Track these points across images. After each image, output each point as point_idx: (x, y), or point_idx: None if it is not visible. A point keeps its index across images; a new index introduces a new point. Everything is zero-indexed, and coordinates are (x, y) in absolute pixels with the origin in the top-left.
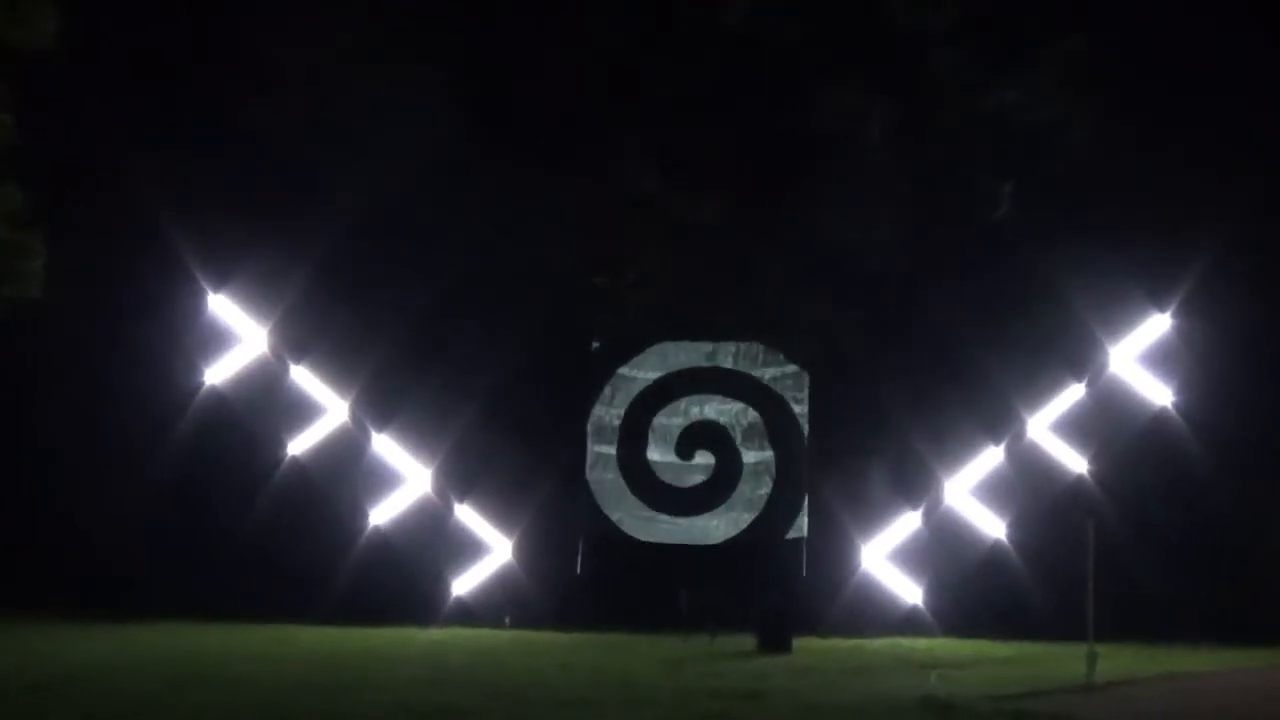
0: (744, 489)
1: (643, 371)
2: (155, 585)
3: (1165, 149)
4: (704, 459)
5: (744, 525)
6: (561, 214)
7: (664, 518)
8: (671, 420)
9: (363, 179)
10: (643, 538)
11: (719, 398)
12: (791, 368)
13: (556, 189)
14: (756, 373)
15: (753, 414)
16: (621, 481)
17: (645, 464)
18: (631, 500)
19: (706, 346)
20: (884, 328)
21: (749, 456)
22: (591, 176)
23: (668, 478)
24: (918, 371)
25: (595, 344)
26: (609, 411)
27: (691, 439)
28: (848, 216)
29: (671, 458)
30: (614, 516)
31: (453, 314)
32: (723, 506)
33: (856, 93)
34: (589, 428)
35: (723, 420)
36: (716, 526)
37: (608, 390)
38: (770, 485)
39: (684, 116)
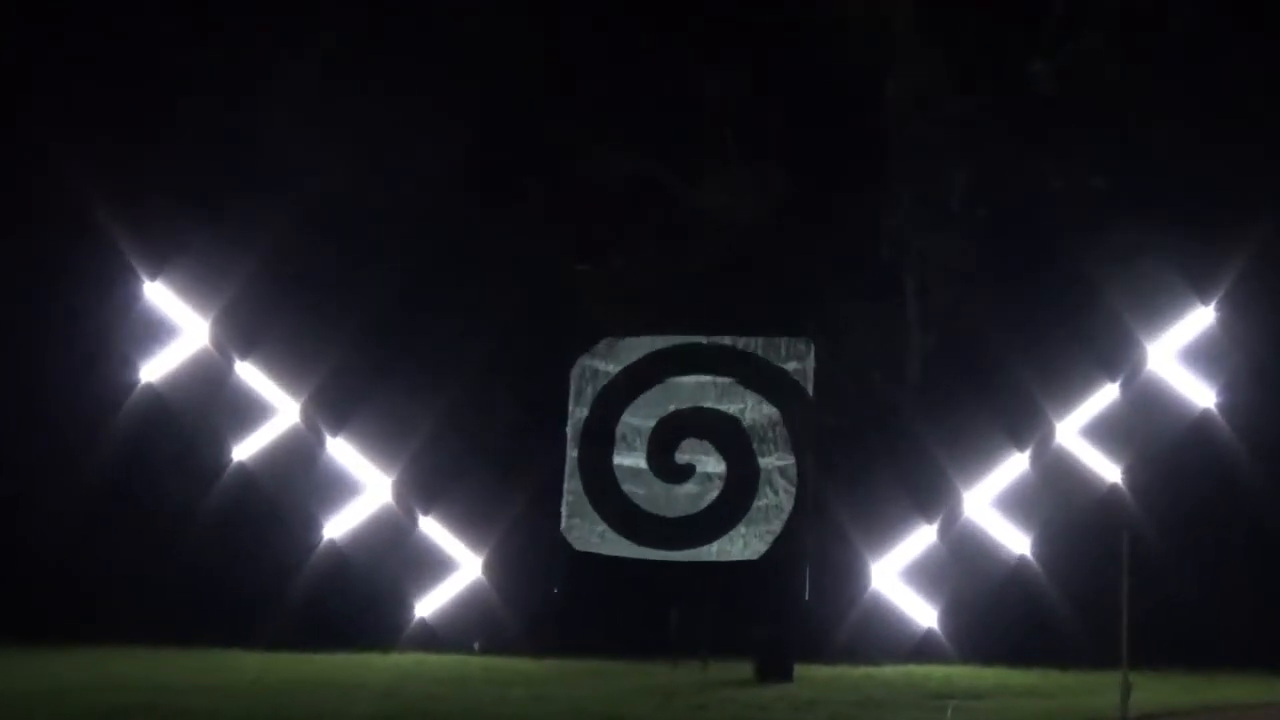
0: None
1: (626, 368)
2: (81, 606)
3: (1213, 127)
4: (704, 465)
5: (749, 541)
6: (541, 195)
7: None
8: (646, 421)
9: (314, 157)
10: (628, 553)
11: (717, 385)
12: (794, 366)
13: (535, 166)
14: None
15: (766, 408)
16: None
17: (611, 476)
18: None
19: (697, 341)
20: (898, 323)
21: (762, 462)
22: (575, 153)
23: (645, 496)
24: (935, 371)
25: (578, 338)
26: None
27: (681, 437)
28: (863, 203)
29: (647, 470)
30: (597, 529)
31: (417, 305)
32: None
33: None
34: (568, 431)
35: (731, 410)
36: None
37: (589, 390)
38: (773, 494)
39: (683, 89)
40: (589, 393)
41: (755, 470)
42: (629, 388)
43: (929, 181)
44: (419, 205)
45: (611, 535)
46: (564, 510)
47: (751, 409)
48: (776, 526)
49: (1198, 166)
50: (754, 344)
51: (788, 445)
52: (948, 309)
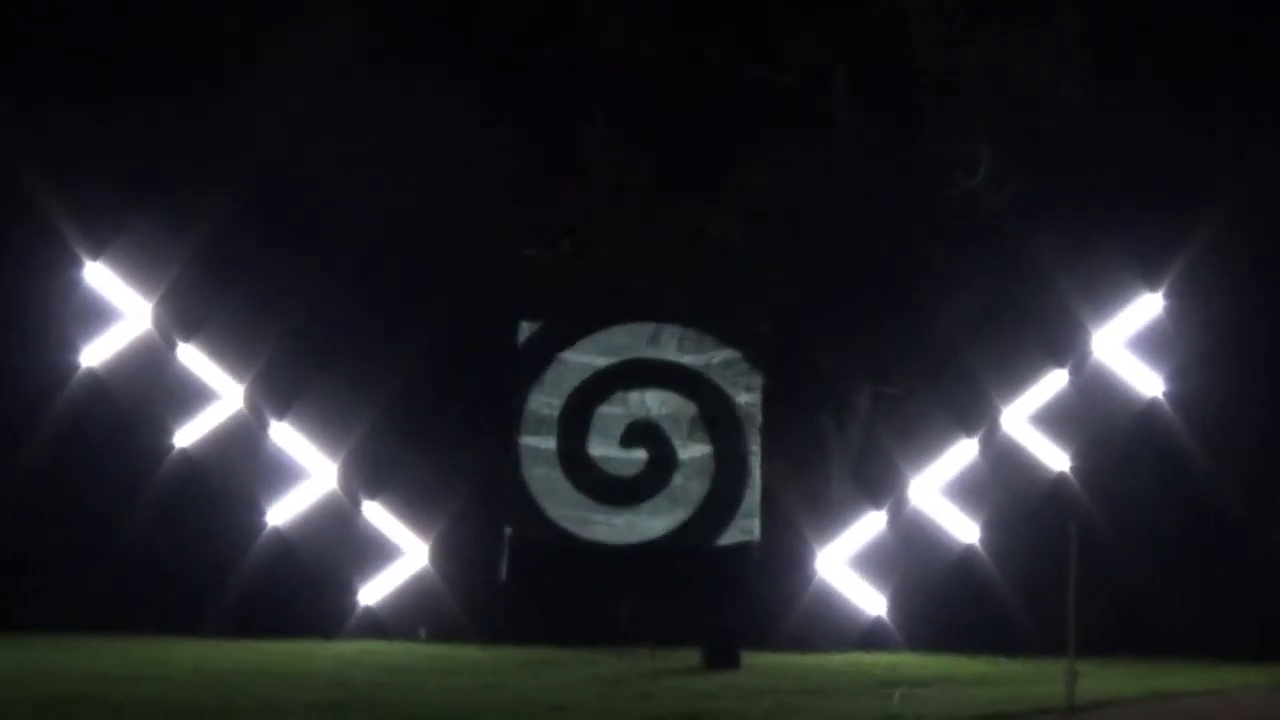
0: (689, 485)
1: (582, 356)
2: (19, 594)
3: (1164, 113)
4: (639, 454)
5: (690, 527)
6: (487, 173)
7: (599, 517)
8: (611, 409)
9: (258, 138)
10: (577, 538)
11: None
12: (741, 352)
13: (481, 142)
14: (704, 357)
15: (692, 406)
16: (556, 476)
17: (586, 458)
18: (565, 498)
19: (649, 328)
20: (845, 305)
21: (690, 451)
22: (524, 127)
23: (607, 469)
24: (882, 355)
25: (525, 324)
26: (540, 400)
27: (630, 431)
28: (802, 170)
29: (614, 451)
30: (545, 515)
31: (363, 289)
32: (664, 501)
33: (820, 45)
34: (518, 418)
35: (663, 410)
36: (658, 526)
37: (542, 377)
38: (712, 482)
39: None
40: (549, 384)
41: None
42: (598, 386)
43: (882, 154)
44: (365, 185)
45: (563, 520)
46: (531, 492)
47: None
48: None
49: (1148, 153)
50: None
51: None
52: (897, 295)
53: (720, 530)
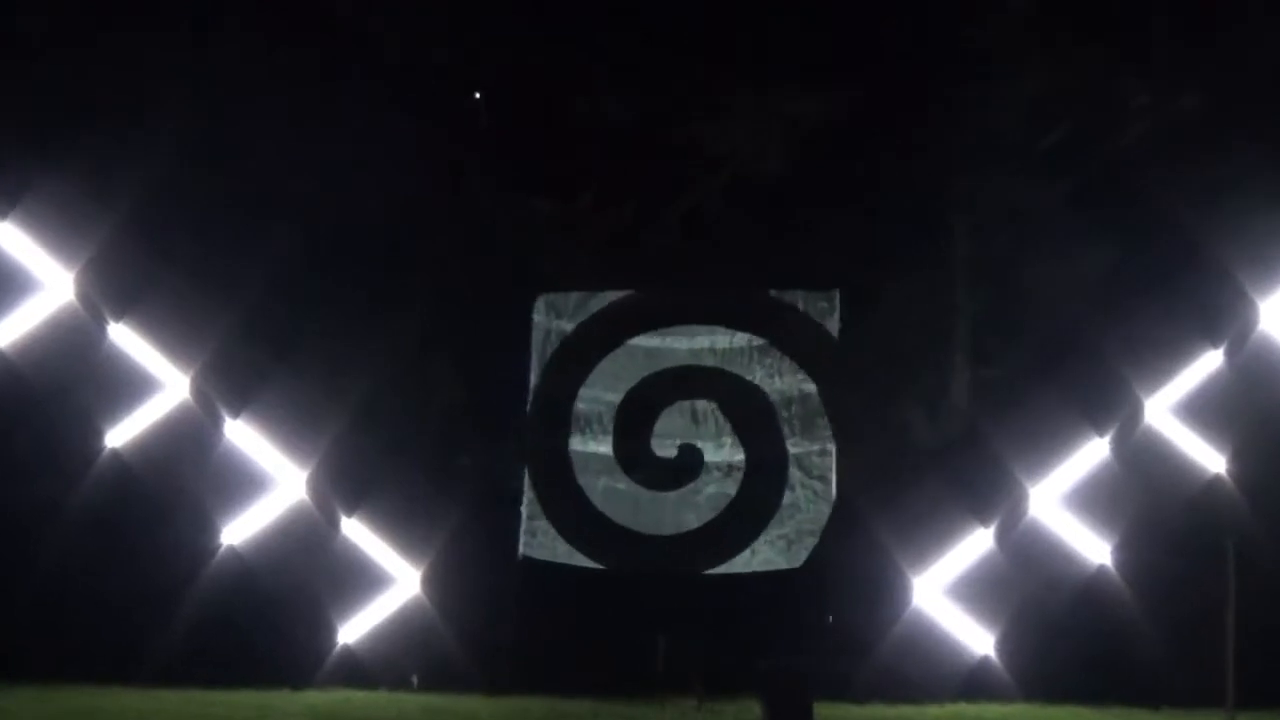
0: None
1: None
2: None
3: None
4: (718, 453)
5: (757, 548)
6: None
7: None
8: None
9: (206, 66)
10: (604, 564)
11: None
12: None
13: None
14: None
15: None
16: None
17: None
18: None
19: (675, 295)
20: (944, 272)
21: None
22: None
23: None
24: (992, 335)
25: (541, 299)
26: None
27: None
28: (901, 129)
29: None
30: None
31: (337, 256)
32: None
33: None
34: (530, 415)
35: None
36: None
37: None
38: (789, 490)
39: None
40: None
41: (783, 458)
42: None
43: (982, 99)
44: (336, 128)
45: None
46: (524, 511)
47: (766, 378)
48: (791, 531)
49: None
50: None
51: (810, 428)
52: (1006, 259)
53: (802, 550)
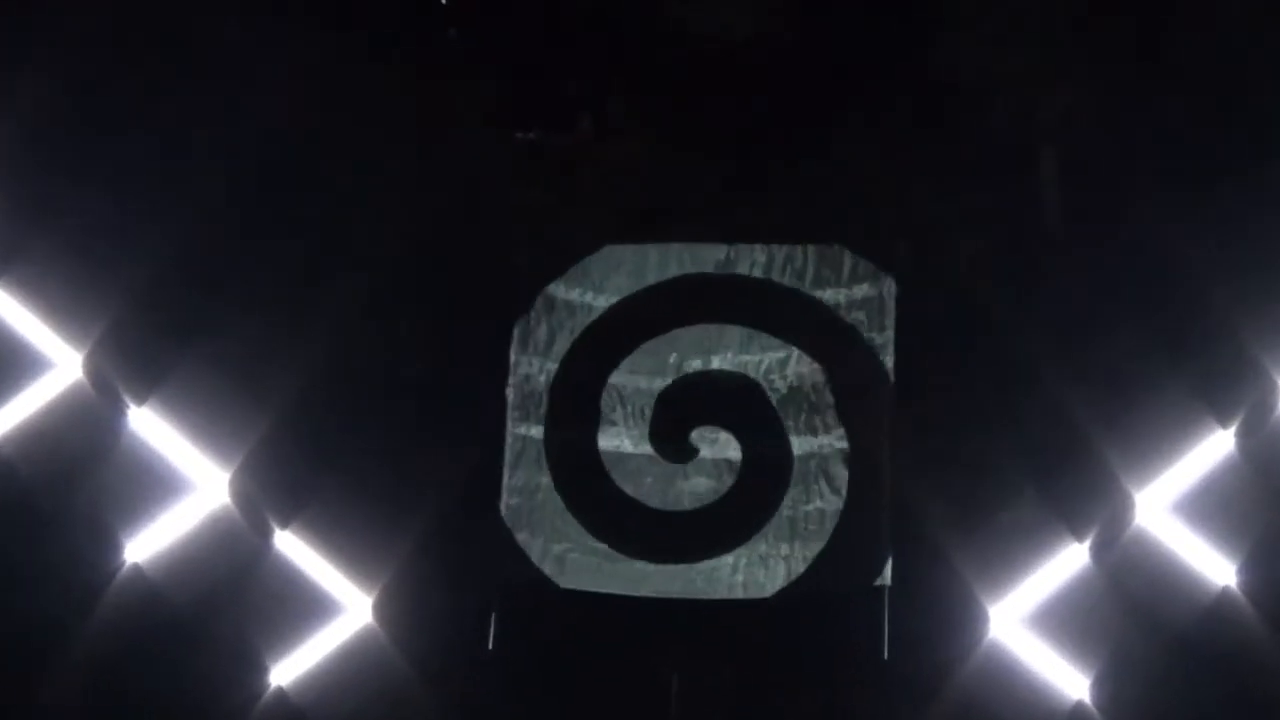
0: (790, 502)
1: (598, 295)
2: None
3: None
4: (714, 450)
5: (784, 565)
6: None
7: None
8: (649, 381)
9: None
10: (602, 588)
11: (740, 335)
12: (863, 291)
13: None
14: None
15: (806, 365)
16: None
17: (597, 461)
18: (578, 526)
19: (718, 251)
20: (1026, 231)
21: (801, 444)
22: None
23: (641, 488)
24: (1083, 306)
25: (526, 252)
26: (544, 366)
27: (687, 412)
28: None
29: (647, 448)
30: (554, 550)
31: (268, 202)
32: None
33: None
34: (509, 398)
35: (751, 374)
36: (734, 569)
37: (542, 329)
38: (831, 494)
39: None
40: (546, 337)
41: (787, 455)
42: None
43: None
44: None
45: (579, 556)
46: (504, 518)
47: (796, 361)
48: (842, 544)
49: None
50: (799, 255)
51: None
52: (1103, 205)
53: (863, 571)
